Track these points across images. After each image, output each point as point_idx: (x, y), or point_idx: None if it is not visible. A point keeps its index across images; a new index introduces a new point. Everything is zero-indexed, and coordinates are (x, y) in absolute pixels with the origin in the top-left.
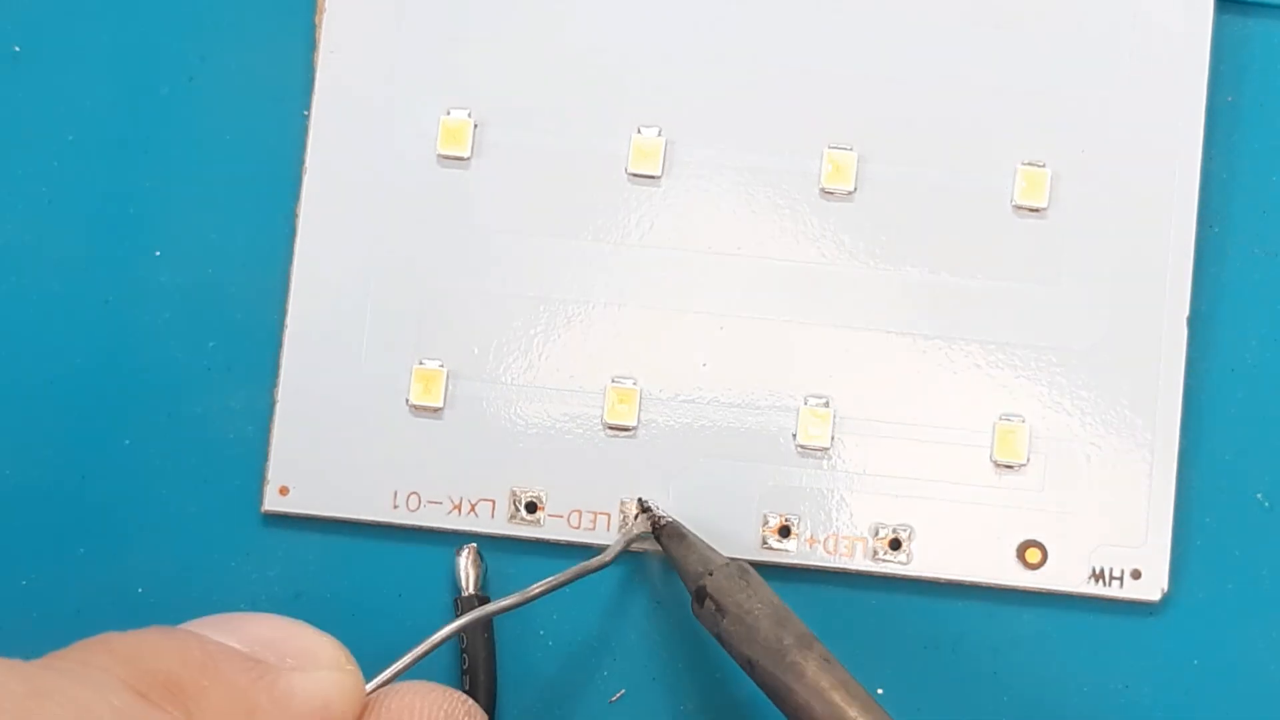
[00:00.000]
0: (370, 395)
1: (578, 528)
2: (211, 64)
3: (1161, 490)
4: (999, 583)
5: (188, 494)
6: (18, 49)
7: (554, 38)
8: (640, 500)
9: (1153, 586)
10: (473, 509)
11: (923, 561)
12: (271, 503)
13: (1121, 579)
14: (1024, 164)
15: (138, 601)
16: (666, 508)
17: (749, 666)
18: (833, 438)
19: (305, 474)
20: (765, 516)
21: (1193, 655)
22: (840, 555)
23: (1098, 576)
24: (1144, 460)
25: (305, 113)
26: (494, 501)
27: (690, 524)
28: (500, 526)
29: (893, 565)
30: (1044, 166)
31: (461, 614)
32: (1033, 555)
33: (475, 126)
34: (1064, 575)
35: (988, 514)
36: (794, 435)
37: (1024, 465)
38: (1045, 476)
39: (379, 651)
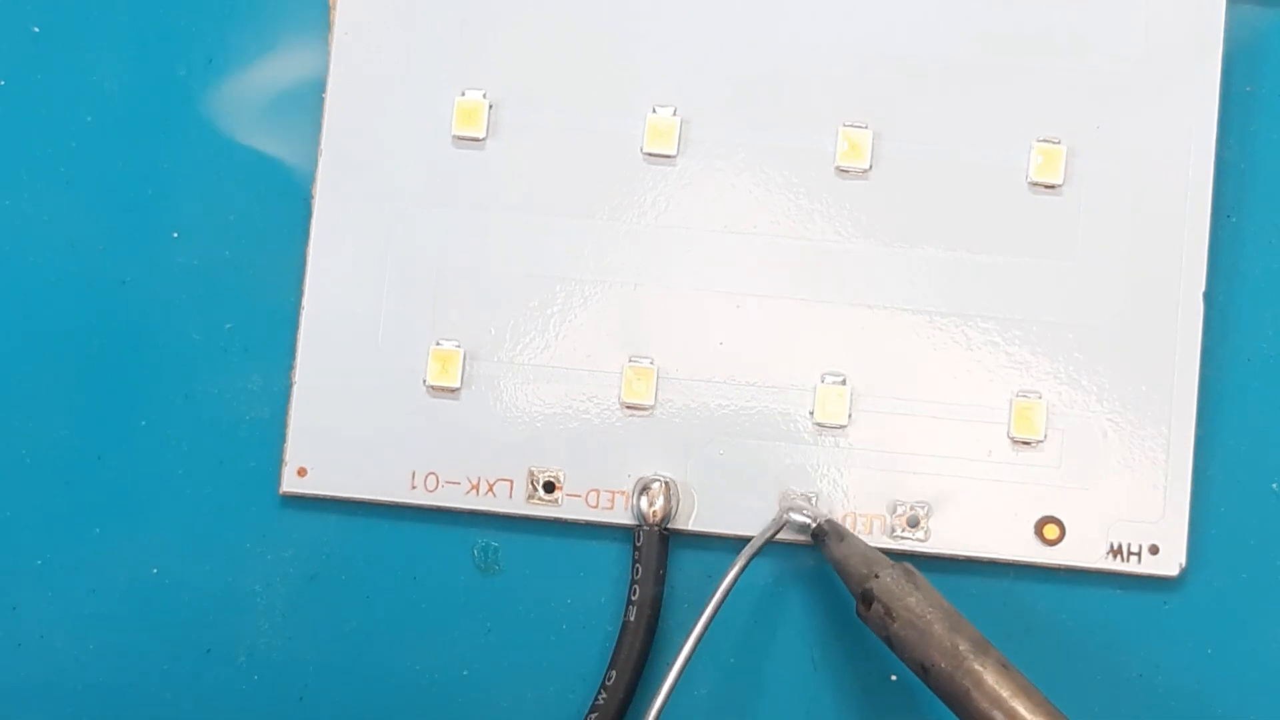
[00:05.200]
0: (387, 376)
1: (595, 507)
2: (229, 46)
3: (1179, 465)
4: (1017, 559)
5: (204, 475)
6: (36, 29)
7: (569, 18)
8: (799, 492)
9: (1170, 562)
10: (490, 489)
11: (941, 538)
12: (289, 484)
13: (1139, 554)
14: (1039, 140)
15: (153, 582)
16: (684, 486)
17: (922, 672)
18: (850, 415)
19: (323, 455)
20: (783, 494)
21: (1210, 634)
22: (859, 533)
23: (1116, 552)
24: (1161, 435)
25: (321, 94)
26: (512, 481)
27: (707, 503)
28: (518, 506)
29: (911, 542)
30: (1059, 143)
31: (643, 544)
32: (1051, 531)
33: (490, 107)
34: (1082, 551)
35: (1005, 490)
36: (811, 413)
37: (1041, 441)
38: (1063, 452)
39: (396, 633)
